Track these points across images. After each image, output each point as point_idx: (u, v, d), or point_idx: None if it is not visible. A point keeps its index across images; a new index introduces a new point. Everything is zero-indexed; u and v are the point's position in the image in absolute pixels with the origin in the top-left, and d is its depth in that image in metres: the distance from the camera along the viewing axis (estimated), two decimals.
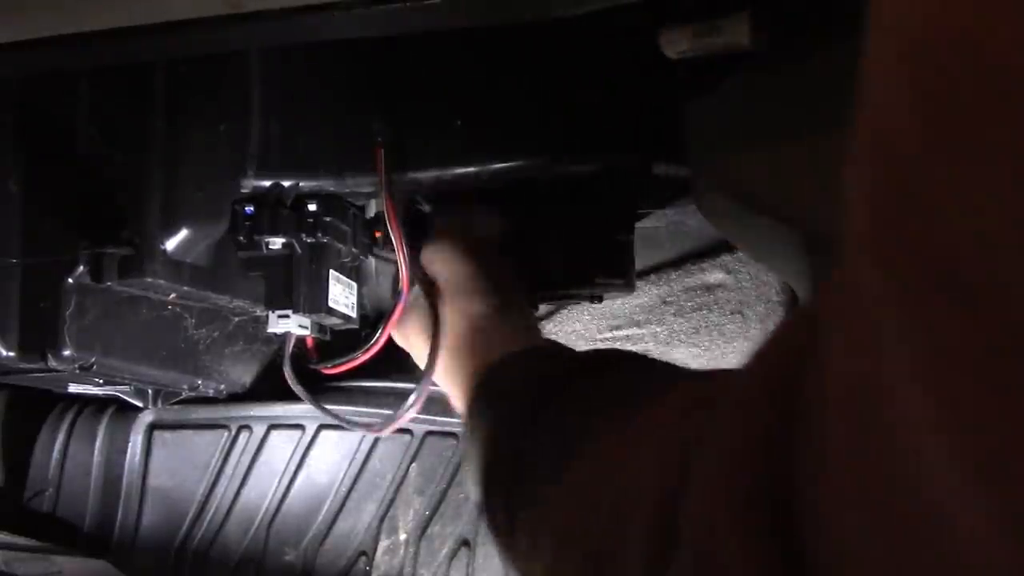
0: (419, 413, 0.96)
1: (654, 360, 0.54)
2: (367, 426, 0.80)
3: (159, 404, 0.95)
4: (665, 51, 0.59)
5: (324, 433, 0.96)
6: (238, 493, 0.97)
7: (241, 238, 0.73)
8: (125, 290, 0.73)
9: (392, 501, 0.96)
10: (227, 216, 0.73)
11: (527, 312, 0.75)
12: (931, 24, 0.16)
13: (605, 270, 0.81)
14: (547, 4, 0.51)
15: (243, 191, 0.73)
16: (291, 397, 0.85)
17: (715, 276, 0.97)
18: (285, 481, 0.97)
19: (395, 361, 0.88)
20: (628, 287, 0.85)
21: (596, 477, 0.36)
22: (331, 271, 0.75)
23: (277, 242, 0.73)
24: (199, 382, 0.88)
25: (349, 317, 0.78)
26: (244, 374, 0.93)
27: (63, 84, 0.73)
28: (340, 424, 0.90)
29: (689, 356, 0.96)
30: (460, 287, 0.71)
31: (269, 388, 0.95)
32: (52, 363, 0.71)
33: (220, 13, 0.48)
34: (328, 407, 0.81)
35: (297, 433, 0.97)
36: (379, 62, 0.74)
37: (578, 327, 1.01)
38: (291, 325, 0.73)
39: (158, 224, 0.71)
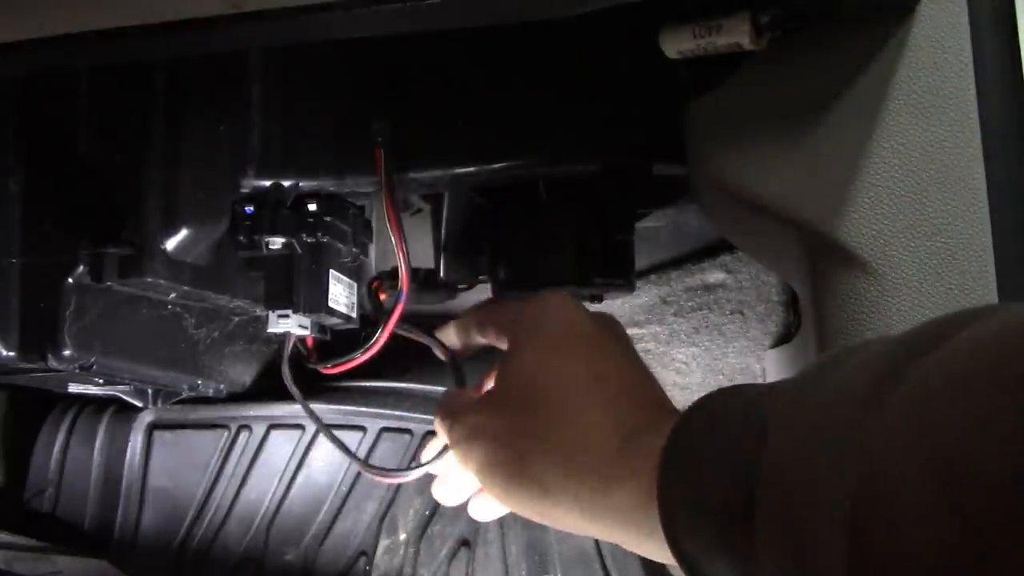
0: (418, 413, 0.96)
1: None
2: (368, 467, 0.74)
3: (159, 404, 0.95)
4: (665, 51, 0.59)
5: None
6: (238, 493, 0.97)
7: (241, 238, 0.73)
8: (125, 290, 0.73)
9: (392, 501, 0.96)
10: (227, 216, 0.73)
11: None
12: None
13: (605, 270, 0.81)
14: (547, 4, 0.51)
15: (243, 191, 0.73)
16: (291, 397, 0.85)
17: (715, 276, 0.97)
18: (285, 481, 0.97)
19: (395, 361, 0.88)
20: (628, 287, 0.85)
21: None
22: (331, 271, 0.75)
23: (277, 242, 0.73)
24: (199, 382, 0.88)
25: (349, 317, 0.78)
26: (244, 374, 0.93)
27: (63, 84, 0.73)
28: (340, 425, 0.90)
29: (689, 356, 0.96)
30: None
31: (269, 388, 0.95)
32: (52, 363, 0.71)
33: (220, 13, 0.48)
34: (334, 407, 0.81)
35: (297, 433, 0.97)
36: (379, 62, 0.74)
37: None
38: (291, 325, 0.73)
39: (158, 224, 0.71)
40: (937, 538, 0.25)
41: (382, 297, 0.74)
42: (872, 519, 0.28)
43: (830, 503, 0.30)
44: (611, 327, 0.52)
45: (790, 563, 0.32)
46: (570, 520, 0.44)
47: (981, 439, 0.25)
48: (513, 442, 0.46)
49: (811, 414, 0.34)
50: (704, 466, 0.38)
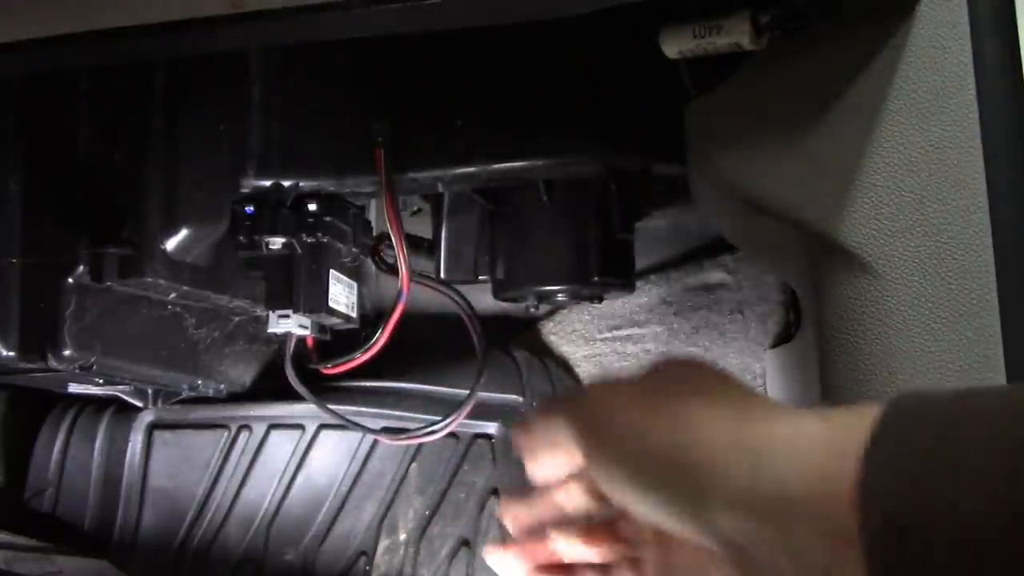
0: (418, 413, 0.96)
1: None
2: (375, 432, 0.73)
3: (159, 404, 0.95)
4: (666, 51, 0.59)
5: (324, 433, 0.96)
6: (238, 493, 0.97)
7: (241, 238, 0.73)
8: (125, 290, 0.73)
9: (392, 501, 0.96)
10: (227, 216, 0.73)
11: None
12: None
13: (605, 270, 0.81)
14: (548, 4, 0.51)
15: (243, 191, 0.73)
16: (291, 397, 0.85)
17: (715, 276, 0.97)
18: (285, 481, 0.97)
19: (395, 361, 0.88)
20: (628, 287, 0.85)
21: None
22: (331, 271, 0.75)
23: (277, 242, 0.73)
24: (199, 382, 0.88)
25: (349, 317, 0.78)
26: (244, 374, 0.93)
27: (63, 84, 0.73)
28: (343, 424, 0.90)
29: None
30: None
31: (269, 388, 0.95)
32: (52, 363, 0.71)
33: (220, 13, 0.48)
34: (332, 407, 0.81)
35: (297, 433, 0.97)
36: (379, 62, 0.74)
37: (578, 327, 1.01)
38: (291, 325, 0.73)
39: (158, 224, 0.71)
40: None
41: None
42: None
43: None
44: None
45: None
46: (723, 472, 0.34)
47: None
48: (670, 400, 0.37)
49: None
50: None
